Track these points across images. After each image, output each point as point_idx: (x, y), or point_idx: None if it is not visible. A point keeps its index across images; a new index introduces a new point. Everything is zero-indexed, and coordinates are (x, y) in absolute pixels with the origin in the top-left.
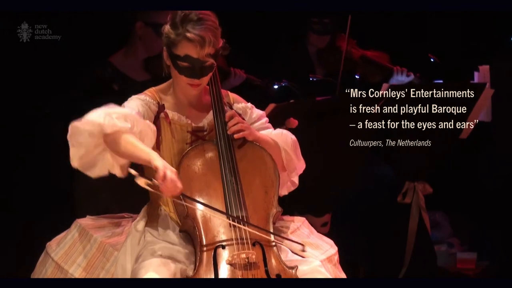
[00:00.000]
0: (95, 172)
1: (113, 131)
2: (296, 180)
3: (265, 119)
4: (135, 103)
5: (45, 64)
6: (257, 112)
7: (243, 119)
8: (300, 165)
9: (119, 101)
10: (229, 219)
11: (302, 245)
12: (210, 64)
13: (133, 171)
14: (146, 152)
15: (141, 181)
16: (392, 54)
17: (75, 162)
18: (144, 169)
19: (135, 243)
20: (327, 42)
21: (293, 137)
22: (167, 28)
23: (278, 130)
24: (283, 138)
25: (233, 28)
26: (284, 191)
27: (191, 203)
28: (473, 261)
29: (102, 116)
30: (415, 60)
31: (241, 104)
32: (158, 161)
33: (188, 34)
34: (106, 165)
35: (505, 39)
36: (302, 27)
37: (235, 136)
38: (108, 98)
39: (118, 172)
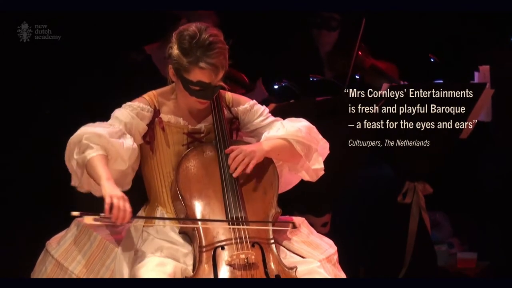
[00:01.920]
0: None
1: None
2: (320, 164)
3: (266, 114)
4: (124, 113)
5: (45, 64)
6: (257, 108)
7: (238, 123)
8: (321, 146)
9: (146, 86)
10: (229, 224)
11: (293, 222)
12: (220, 85)
13: (75, 213)
14: (99, 176)
15: (89, 219)
16: (394, 56)
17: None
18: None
19: (133, 242)
20: (335, 39)
21: (302, 124)
22: (176, 52)
23: (279, 125)
24: (288, 129)
25: (240, 27)
26: (313, 177)
27: (191, 211)
28: (473, 261)
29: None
30: (416, 61)
31: (240, 107)
32: (105, 189)
33: (202, 64)
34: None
35: (505, 39)
36: (311, 25)
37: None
38: (136, 83)
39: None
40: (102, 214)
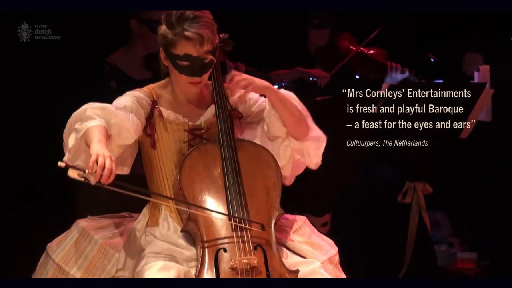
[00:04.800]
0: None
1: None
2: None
3: (262, 99)
4: (124, 98)
5: (45, 64)
6: (253, 95)
7: (239, 112)
8: (314, 134)
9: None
10: (231, 220)
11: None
12: (210, 61)
13: (61, 163)
14: (91, 138)
15: (73, 173)
16: (393, 54)
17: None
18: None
19: (135, 242)
20: (328, 38)
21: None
22: (163, 28)
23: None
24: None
25: (233, 28)
26: (316, 153)
27: (194, 208)
28: (473, 261)
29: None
30: (415, 59)
31: (237, 95)
32: (94, 148)
33: (187, 33)
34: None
35: (505, 39)
36: (302, 26)
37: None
38: (107, 96)
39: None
40: (87, 170)
